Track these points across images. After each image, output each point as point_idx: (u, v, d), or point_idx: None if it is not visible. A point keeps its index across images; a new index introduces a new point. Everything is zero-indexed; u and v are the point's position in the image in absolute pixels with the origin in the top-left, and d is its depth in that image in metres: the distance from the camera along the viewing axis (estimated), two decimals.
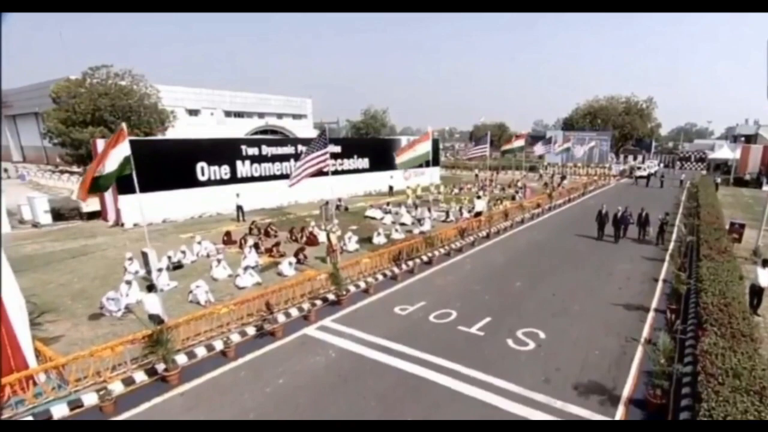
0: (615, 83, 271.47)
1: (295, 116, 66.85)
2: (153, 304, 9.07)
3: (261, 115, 62.16)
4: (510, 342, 9.24)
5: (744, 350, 6.64)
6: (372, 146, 36.05)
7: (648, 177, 41.33)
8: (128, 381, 7.66)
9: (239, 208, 22.38)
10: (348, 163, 31.74)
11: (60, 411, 6.75)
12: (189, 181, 22.81)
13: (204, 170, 23.39)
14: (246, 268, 12.92)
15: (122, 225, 20.58)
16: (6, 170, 40.90)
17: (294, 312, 10.58)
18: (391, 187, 32.31)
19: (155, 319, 8.90)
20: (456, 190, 33.31)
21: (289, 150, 27.14)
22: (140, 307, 9.89)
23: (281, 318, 10.12)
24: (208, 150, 24.00)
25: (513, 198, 29.09)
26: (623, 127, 60.82)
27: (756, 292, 10.55)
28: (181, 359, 8.32)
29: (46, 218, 21.44)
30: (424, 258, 14.99)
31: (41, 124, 38.92)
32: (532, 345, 9.11)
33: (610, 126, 59.31)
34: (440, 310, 10.89)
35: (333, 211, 17.59)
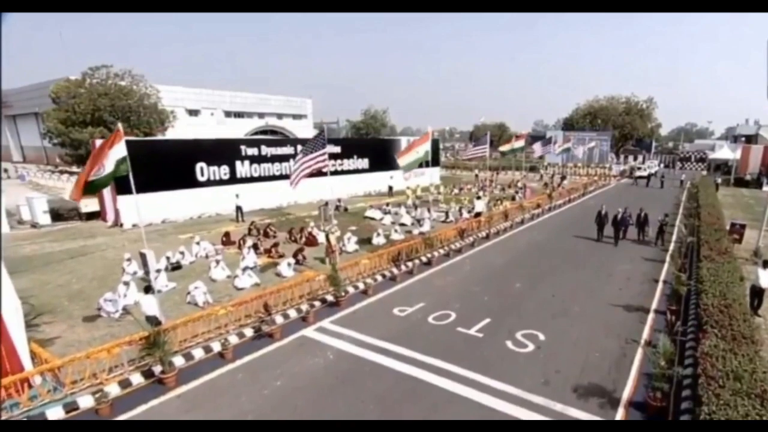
0: (615, 83, 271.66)
1: (295, 116, 66.85)
2: (150, 305, 9.02)
3: (261, 116, 62.17)
4: (509, 344, 9.19)
5: (745, 352, 6.58)
6: (372, 146, 36.01)
7: (648, 177, 41.26)
8: (125, 383, 7.61)
9: (238, 208, 22.33)
10: (348, 164, 31.68)
11: (55, 414, 6.70)
12: (188, 181, 22.76)
13: (203, 170, 23.34)
14: (245, 269, 12.87)
15: (121, 225, 20.54)
16: (6, 170, 40.90)
17: (292, 313, 10.53)
18: (390, 188, 32.26)
19: (152, 320, 8.85)
20: (456, 191, 33.25)
21: (288, 150, 27.08)
22: (138, 308, 9.83)
23: (279, 319, 10.06)
24: (207, 150, 23.97)
25: (513, 198, 29.03)
26: (623, 127, 60.78)
27: (756, 293, 10.49)
28: (179, 361, 8.27)
29: (45, 219, 21.40)
30: (424, 259, 14.94)
31: (41, 125, 38.94)
32: (531, 347, 9.06)
33: (611, 126, 59.28)
34: (439, 312, 10.84)
35: (332, 211, 17.54)
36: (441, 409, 7.04)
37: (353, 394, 7.49)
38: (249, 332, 9.58)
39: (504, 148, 30.94)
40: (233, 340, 9.13)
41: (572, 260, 15.56)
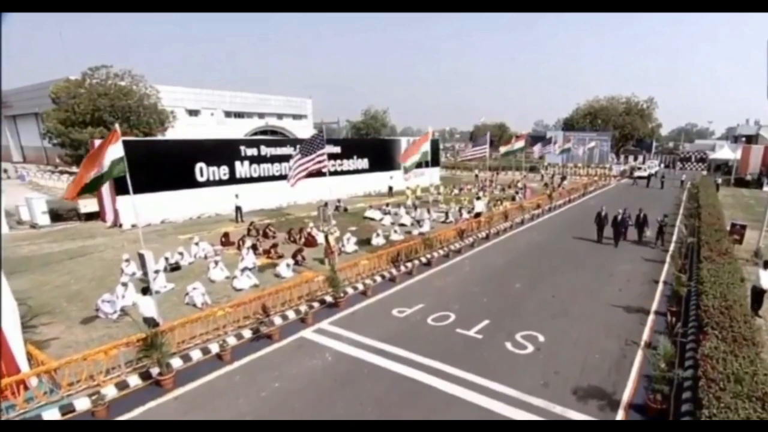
0: (615, 83, 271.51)
1: (296, 116, 66.84)
2: (148, 306, 8.98)
3: (261, 116, 62.15)
4: (508, 345, 9.14)
5: (746, 355, 6.53)
6: (371, 147, 36.01)
7: (648, 177, 41.22)
8: (122, 385, 7.57)
9: (238, 208, 22.29)
10: (347, 164, 31.65)
11: (51, 416, 6.64)
12: (188, 181, 22.74)
13: (203, 171, 23.32)
14: (243, 270, 12.83)
15: (120, 226, 20.51)
16: (6, 171, 40.89)
17: (291, 314, 10.47)
18: (390, 188, 32.22)
19: (150, 321, 8.82)
20: (456, 191, 33.19)
21: (288, 150, 27.02)
22: (136, 310, 9.80)
23: (278, 320, 10.01)
24: (207, 150, 23.94)
25: (513, 199, 28.97)
26: (624, 127, 60.74)
27: (757, 293, 10.44)
28: (176, 363, 8.23)
29: (44, 219, 21.38)
30: (423, 259, 14.89)
31: (41, 125, 38.91)
32: (530, 348, 9.01)
33: (611, 126, 59.22)
34: (438, 313, 10.79)
35: (331, 212, 17.49)
36: (440, 411, 6.99)
37: (352, 396, 7.45)
38: (247, 333, 9.54)
39: (504, 149, 30.92)
40: (231, 341, 9.08)
41: (572, 261, 15.51)
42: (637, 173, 43.67)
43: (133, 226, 19.97)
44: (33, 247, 17.33)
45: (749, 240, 16.60)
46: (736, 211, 25.24)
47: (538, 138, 55.21)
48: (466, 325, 10.06)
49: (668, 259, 15.21)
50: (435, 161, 35.79)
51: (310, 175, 13.55)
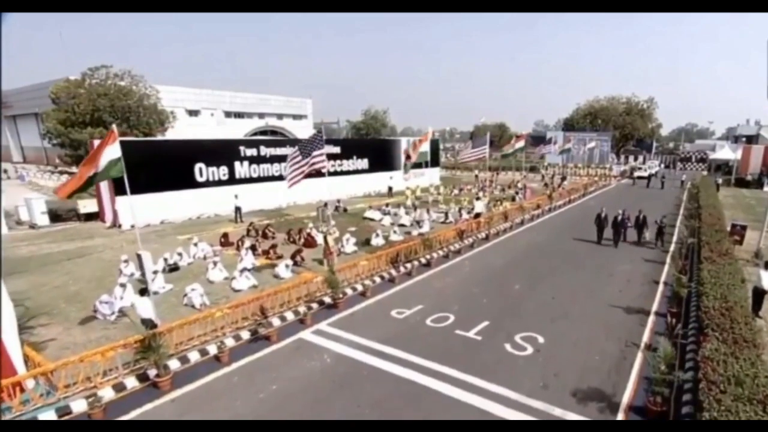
0: (615, 83, 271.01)
1: (296, 117, 66.83)
2: (145, 308, 8.94)
3: (261, 116, 62.13)
4: (508, 347, 9.09)
5: (746, 356, 6.48)
6: (371, 147, 35.97)
7: (649, 178, 41.14)
8: (119, 387, 7.53)
9: (237, 209, 22.26)
10: (347, 164, 31.62)
11: (48, 418, 6.60)
12: (187, 182, 22.71)
13: (202, 171, 23.28)
14: (242, 271, 12.79)
15: (119, 226, 20.48)
16: (6, 171, 40.88)
17: (289, 315, 10.43)
18: (390, 188, 32.19)
19: (148, 323, 8.78)
20: (456, 191, 33.15)
21: (287, 151, 26.71)
22: (134, 311, 9.76)
23: (276, 322, 9.98)
24: (206, 151, 23.91)
25: (513, 199, 28.92)
26: (624, 127, 60.69)
27: (759, 294, 10.39)
28: (174, 364, 8.19)
29: (43, 219, 21.36)
30: (423, 260, 14.85)
31: (41, 125, 38.90)
32: (530, 350, 8.96)
33: (611, 126, 59.17)
34: (438, 314, 10.75)
35: (330, 212, 17.45)
36: (439, 413, 6.94)
37: (350, 398, 7.40)
38: (246, 335, 9.50)
39: (505, 150, 30.87)
40: (229, 342, 9.04)
41: (572, 261, 15.47)
42: (637, 173, 43.63)
43: (133, 226, 19.92)
44: (32, 248, 17.30)
45: (750, 241, 16.54)
46: (737, 211, 25.18)
47: (538, 138, 55.22)
48: (465, 327, 10.01)
49: (668, 259, 15.17)
50: (435, 161, 35.82)
51: (310, 175, 13.51)
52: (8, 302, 7.07)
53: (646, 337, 9.53)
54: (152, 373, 7.77)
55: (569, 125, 64.08)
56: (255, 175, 25.60)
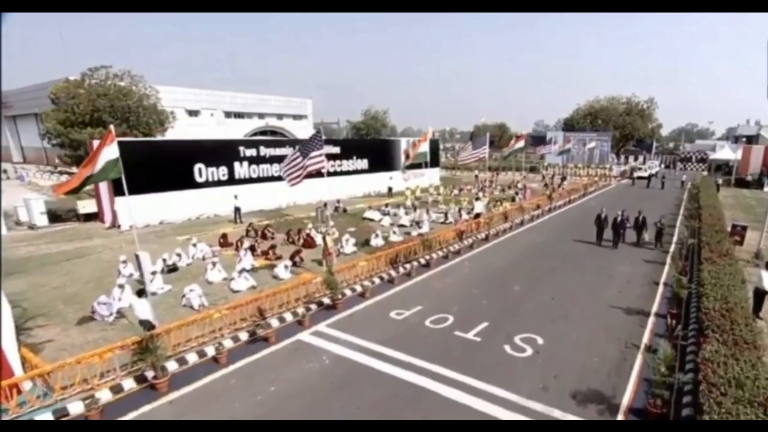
0: (615, 83, 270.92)
1: (296, 117, 66.77)
2: (143, 309, 8.92)
3: (261, 116, 62.08)
4: (507, 348, 9.06)
5: (747, 358, 6.44)
6: (371, 147, 35.93)
7: (649, 178, 41.07)
8: (116, 389, 7.49)
9: (237, 209, 22.23)
10: (347, 164, 31.57)
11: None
12: (187, 182, 22.66)
13: (202, 171, 23.24)
14: (241, 271, 12.76)
15: (119, 227, 20.43)
16: (5, 171, 40.85)
17: (288, 316, 10.40)
18: (390, 189, 32.15)
19: (145, 324, 8.75)
20: (455, 192, 33.12)
21: (287, 151, 26.82)
22: (132, 312, 9.73)
23: (275, 323, 9.93)
24: (206, 151, 23.86)
25: (513, 199, 28.88)
26: (624, 127, 60.64)
27: (760, 295, 10.36)
28: (172, 366, 8.16)
29: (42, 220, 21.33)
30: (422, 261, 14.81)
31: (41, 125, 38.86)
32: (529, 351, 8.92)
33: (611, 126, 59.11)
34: (437, 315, 10.71)
35: (330, 213, 17.42)
36: (438, 415, 6.91)
37: (349, 400, 7.37)
38: (244, 336, 9.46)
39: (505, 150, 30.83)
40: (228, 344, 9.01)
41: (572, 262, 15.43)
42: (637, 174, 43.59)
43: (132, 227, 19.89)
44: (30, 248, 17.26)
45: (750, 241, 16.50)
46: (737, 211, 25.14)
47: (538, 138, 55.19)
48: (464, 328, 9.97)
49: (668, 260, 15.12)
50: (435, 162, 35.76)
51: (310, 175, 13.50)
52: (6, 303, 7.03)
53: (646, 339, 9.49)
54: (150, 374, 7.74)
55: (569, 125, 64.02)
56: (255, 176, 25.55)
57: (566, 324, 10.22)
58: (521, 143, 31.93)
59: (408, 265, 14.12)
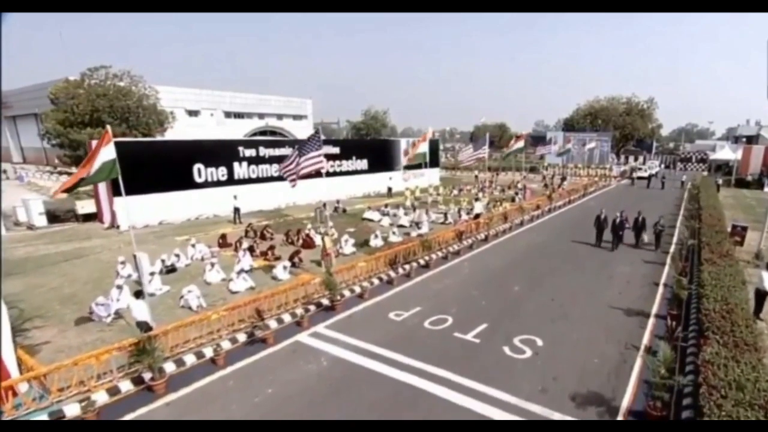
0: (615, 83, 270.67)
1: (296, 117, 66.73)
2: (141, 310, 8.88)
3: (261, 116, 62.04)
4: (506, 349, 9.01)
5: (747, 360, 6.40)
6: (371, 147, 35.90)
7: (649, 178, 41.03)
8: (113, 390, 7.45)
9: (236, 210, 22.19)
10: (347, 165, 31.53)
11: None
12: (186, 182, 22.60)
13: (201, 172, 23.19)
14: (240, 272, 12.71)
15: (118, 227, 20.39)
16: (5, 171, 40.80)
17: (287, 318, 10.36)
18: (389, 189, 32.11)
19: (143, 326, 8.70)
20: (455, 192, 33.08)
21: (286, 151, 26.81)
22: (130, 313, 9.68)
23: (273, 324, 9.88)
24: (205, 151, 23.80)
25: (513, 200, 28.84)
26: (624, 127, 60.58)
27: (761, 296, 10.31)
28: (169, 367, 8.12)
29: (41, 220, 21.28)
30: (421, 261, 14.77)
31: (40, 125, 38.83)
32: (529, 352, 8.88)
33: (611, 127, 59.07)
34: (436, 316, 10.67)
35: (329, 213, 17.37)
36: (436, 417, 6.87)
37: (347, 402, 7.33)
38: (242, 337, 9.43)
39: (505, 151, 30.78)
40: (226, 345, 8.96)
41: (572, 263, 15.38)
42: (637, 174, 43.54)
43: (130, 227, 19.85)
44: (29, 249, 17.22)
45: (750, 241, 16.47)
46: (737, 212, 25.10)
47: (538, 138, 55.16)
48: (463, 329, 9.93)
49: (668, 261, 15.07)
50: (434, 162, 35.70)
51: (309, 176, 13.46)
52: (3, 305, 6.99)
53: (645, 340, 9.45)
54: (147, 376, 7.70)
55: (569, 125, 63.98)
56: (254, 176, 25.50)
57: (566, 325, 10.18)
58: (521, 143, 31.89)
59: (407, 266, 14.07)
